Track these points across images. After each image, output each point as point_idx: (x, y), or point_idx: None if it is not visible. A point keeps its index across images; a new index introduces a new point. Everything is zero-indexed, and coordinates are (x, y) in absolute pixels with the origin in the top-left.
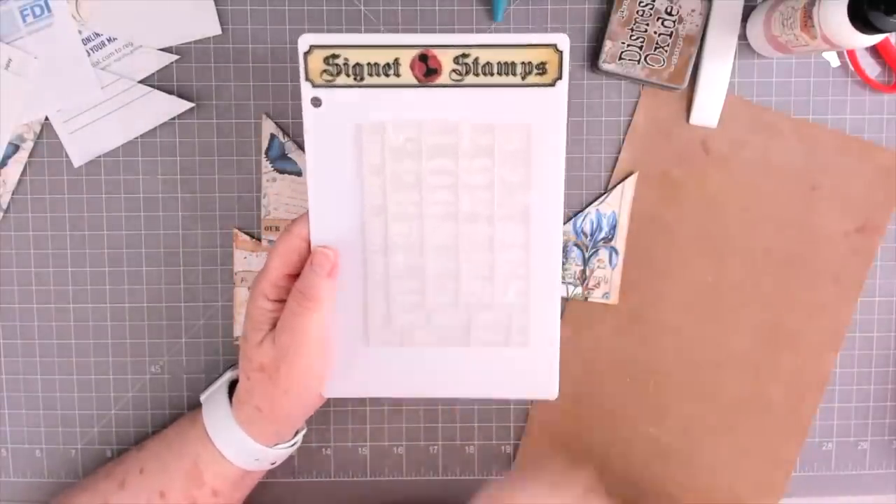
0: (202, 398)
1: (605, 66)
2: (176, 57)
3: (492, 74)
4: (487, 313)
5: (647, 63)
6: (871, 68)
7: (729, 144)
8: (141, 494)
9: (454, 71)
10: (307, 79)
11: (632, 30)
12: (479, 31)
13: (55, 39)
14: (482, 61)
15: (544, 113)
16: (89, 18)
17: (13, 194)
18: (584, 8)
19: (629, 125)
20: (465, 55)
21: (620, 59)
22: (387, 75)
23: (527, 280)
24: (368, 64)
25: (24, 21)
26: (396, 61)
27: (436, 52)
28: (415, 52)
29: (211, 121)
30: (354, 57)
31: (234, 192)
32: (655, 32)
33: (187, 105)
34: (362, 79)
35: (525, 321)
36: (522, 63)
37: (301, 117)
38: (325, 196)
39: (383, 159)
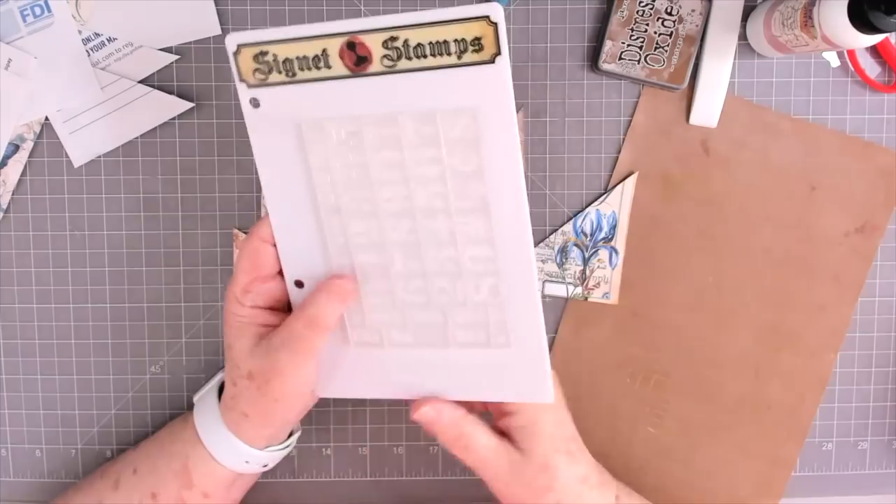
0: (195, 399)
1: (605, 66)
2: (176, 57)
3: (425, 56)
4: (462, 313)
5: (647, 63)
6: (871, 68)
7: (729, 144)
8: (134, 495)
9: (385, 57)
10: (241, 79)
11: (632, 30)
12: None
13: (55, 39)
14: (413, 43)
15: (487, 93)
16: (89, 18)
17: (13, 194)
18: (584, 8)
19: (629, 125)
20: (393, 38)
21: (620, 59)
22: (318, 68)
23: (497, 276)
24: (297, 58)
25: (24, 21)
26: (325, 52)
27: (362, 37)
28: (341, 41)
29: (211, 121)
30: (282, 52)
31: (234, 192)
32: (655, 32)
33: (187, 105)
34: (294, 74)
35: (502, 320)
36: (455, 41)
37: None
38: (280, 199)
39: (328, 157)
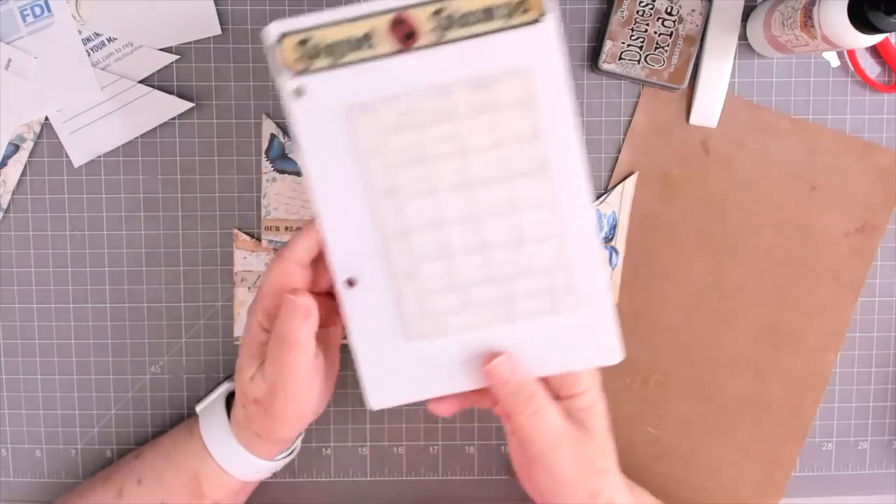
0: (198, 409)
1: (605, 66)
2: (176, 57)
3: (473, 24)
4: (526, 281)
5: (647, 63)
6: (871, 68)
7: (729, 144)
8: None
9: (433, 29)
10: (283, 70)
11: (632, 30)
12: None
13: (55, 39)
14: (460, 12)
15: (537, 53)
16: (89, 18)
17: (13, 194)
18: (584, 8)
19: (629, 125)
20: (440, 10)
21: (620, 59)
22: (365, 48)
23: (560, 238)
24: (343, 41)
25: (24, 21)
26: (372, 31)
27: (409, 13)
28: (388, 18)
29: (211, 121)
30: (327, 36)
31: (234, 192)
32: (655, 32)
33: (187, 105)
34: (340, 58)
35: (569, 281)
36: (503, 4)
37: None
38: (330, 190)
39: (380, 139)
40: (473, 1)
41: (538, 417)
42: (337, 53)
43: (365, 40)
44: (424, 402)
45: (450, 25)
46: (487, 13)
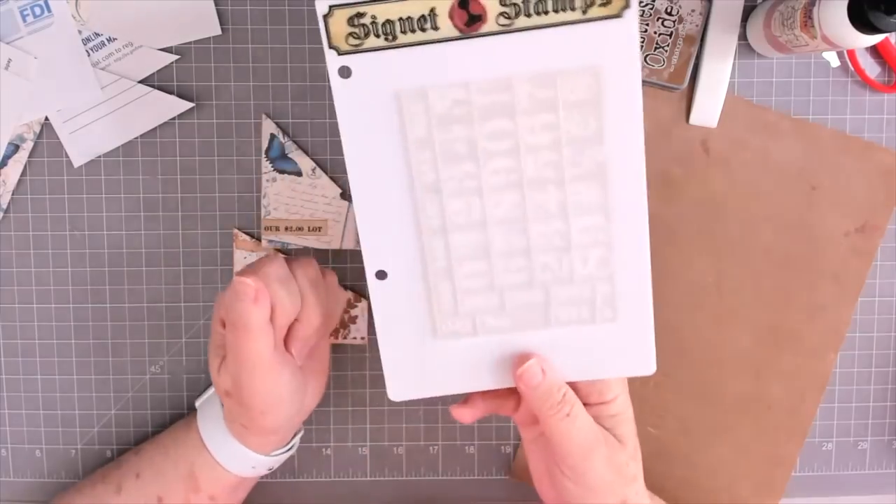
0: (197, 403)
1: None
2: (176, 57)
3: (546, 13)
4: (567, 289)
5: (647, 63)
6: (871, 68)
7: (729, 144)
8: (139, 499)
9: (502, 14)
10: (331, 46)
11: None
12: None
13: (55, 39)
14: None
15: (613, 50)
16: (89, 18)
17: (13, 194)
18: None
19: None
20: None
21: None
22: (423, 30)
23: (609, 247)
24: (400, 20)
25: (24, 21)
26: (433, 12)
27: None
28: None
29: (211, 121)
30: (383, 13)
31: (234, 192)
32: (655, 32)
33: (187, 105)
34: (395, 38)
35: (611, 293)
36: None
37: (303, 117)
38: (368, 179)
39: (430, 129)
40: None
41: (570, 421)
42: (392, 33)
43: (425, 21)
44: (427, 402)
45: (520, 13)
46: (562, 2)
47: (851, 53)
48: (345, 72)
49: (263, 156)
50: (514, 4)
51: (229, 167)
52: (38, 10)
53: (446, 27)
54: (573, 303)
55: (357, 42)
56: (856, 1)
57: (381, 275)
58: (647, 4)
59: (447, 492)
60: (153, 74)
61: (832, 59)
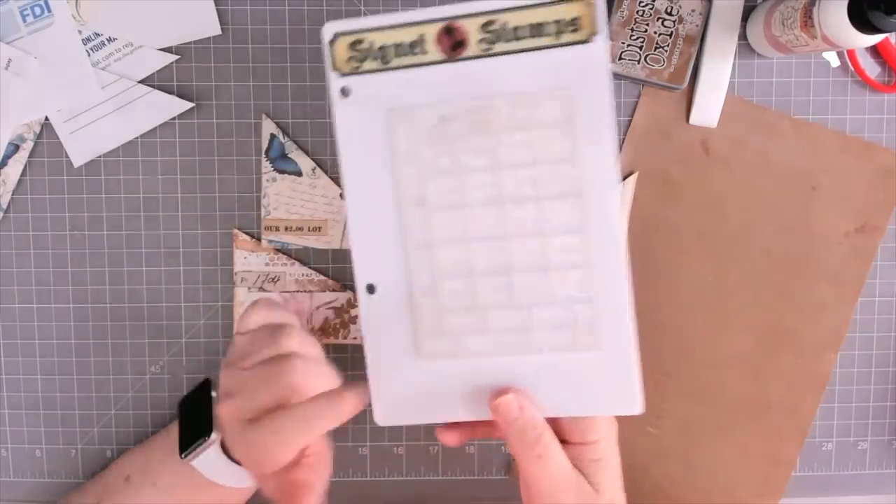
0: (195, 463)
1: None
2: (176, 57)
3: (522, 38)
4: (548, 310)
5: (647, 63)
6: (871, 68)
7: (729, 144)
8: None
9: (483, 40)
10: (334, 68)
11: (632, 30)
12: None
13: (55, 39)
14: (511, 25)
15: (583, 74)
16: (89, 18)
17: (13, 194)
18: None
19: (629, 125)
20: (490, 22)
21: (620, 59)
22: (413, 54)
23: (588, 269)
24: (394, 45)
25: (24, 21)
26: (422, 38)
27: (461, 22)
28: (439, 26)
29: (211, 121)
30: (380, 39)
31: (234, 192)
32: (655, 32)
33: (187, 105)
34: (388, 61)
35: (591, 317)
36: (554, 21)
37: (302, 117)
38: (361, 192)
39: (416, 145)
40: (524, 15)
41: (541, 463)
42: (386, 57)
43: (414, 46)
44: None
45: (498, 38)
46: (537, 29)
47: (851, 53)
48: (345, 91)
49: (263, 156)
50: (493, 31)
51: (229, 167)
52: (38, 10)
53: (433, 51)
54: (553, 326)
55: (356, 65)
56: (856, 1)
57: (371, 289)
58: (647, 4)
59: (447, 492)
60: (153, 74)
61: (832, 59)
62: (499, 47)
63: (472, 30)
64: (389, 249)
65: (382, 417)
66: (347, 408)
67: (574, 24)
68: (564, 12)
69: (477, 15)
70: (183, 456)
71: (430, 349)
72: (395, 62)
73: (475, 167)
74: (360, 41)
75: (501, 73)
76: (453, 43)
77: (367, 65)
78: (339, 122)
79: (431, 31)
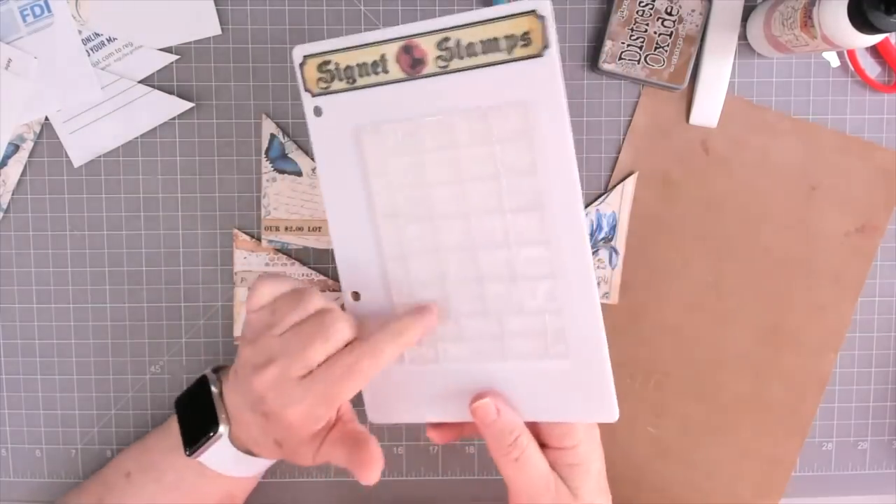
0: (203, 459)
1: (605, 66)
2: (176, 57)
3: (476, 55)
4: (518, 320)
5: (647, 63)
6: (871, 68)
7: (729, 144)
8: None
9: (439, 58)
10: (306, 89)
11: (632, 30)
12: None
13: (55, 39)
14: (464, 42)
15: (538, 87)
16: (89, 18)
17: (13, 194)
18: (584, 8)
19: (629, 125)
20: (446, 39)
21: (620, 59)
22: (376, 73)
23: (554, 279)
24: (358, 65)
25: (24, 21)
26: (383, 58)
27: (418, 41)
28: (398, 45)
29: (211, 121)
30: (344, 60)
31: (234, 192)
32: (655, 32)
33: (187, 105)
34: (354, 81)
35: (560, 328)
36: (505, 37)
37: (302, 117)
38: (339, 206)
39: (385, 160)
40: (476, 32)
41: (518, 466)
42: (352, 77)
43: (377, 66)
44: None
45: (454, 55)
46: (490, 45)
47: (851, 53)
48: (317, 111)
49: (263, 156)
50: (448, 49)
51: (229, 167)
52: (38, 10)
53: (395, 70)
54: (526, 335)
55: (325, 85)
56: (856, 1)
57: (356, 296)
58: (647, 4)
59: (447, 492)
60: (153, 74)
61: (832, 59)
62: (454, 64)
63: (429, 48)
64: (369, 259)
65: (373, 415)
66: (414, 332)
67: (525, 38)
68: (514, 27)
69: (430, 33)
70: (189, 453)
71: (412, 355)
72: (361, 81)
73: (441, 180)
74: (327, 62)
75: (459, 89)
76: (412, 61)
77: (336, 85)
78: (314, 139)
79: (392, 51)
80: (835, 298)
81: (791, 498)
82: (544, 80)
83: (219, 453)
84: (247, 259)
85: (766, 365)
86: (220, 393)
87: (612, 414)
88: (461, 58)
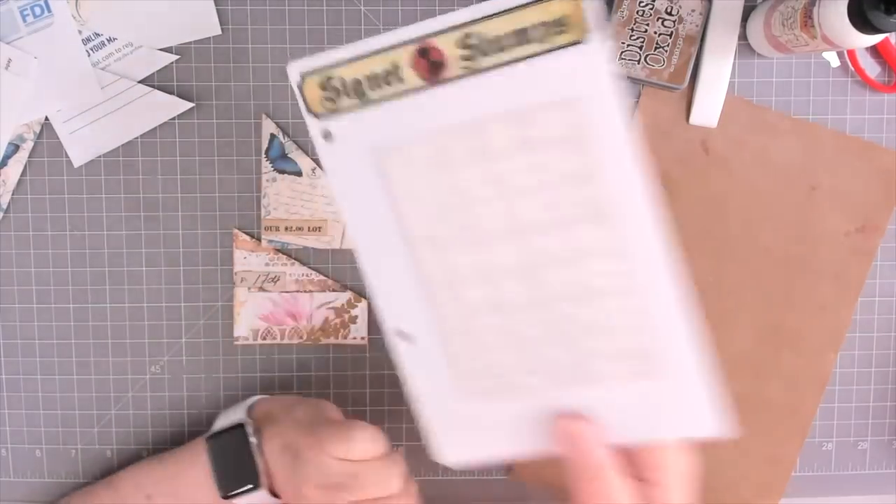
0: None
1: None
2: (176, 57)
3: (504, 49)
4: (598, 341)
5: (647, 63)
6: (871, 68)
7: (729, 144)
8: None
9: (462, 58)
10: (309, 111)
11: (632, 30)
12: None
13: (55, 39)
14: (490, 36)
15: (585, 79)
16: (89, 18)
17: (13, 194)
18: None
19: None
20: (467, 35)
21: (620, 59)
22: (389, 84)
23: (630, 294)
24: (366, 77)
25: (25, 21)
26: (395, 65)
27: (434, 41)
28: (411, 49)
29: (211, 121)
30: (349, 73)
31: (234, 192)
32: (655, 32)
33: (187, 105)
34: (365, 96)
35: (646, 345)
36: (538, 25)
37: (300, 117)
38: (368, 238)
39: (413, 182)
40: (502, 23)
41: (599, 498)
42: (361, 91)
43: (389, 76)
44: None
45: (480, 52)
46: (521, 35)
47: (851, 53)
48: (327, 135)
49: (263, 156)
50: (473, 45)
51: (229, 167)
52: (38, 10)
53: (411, 78)
54: (607, 357)
55: (332, 105)
56: (856, 1)
57: (402, 335)
58: (647, 4)
59: (447, 492)
60: (153, 74)
61: (832, 59)
62: (483, 62)
63: (448, 48)
64: (412, 293)
65: (443, 456)
66: None
67: (561, 23)
68: (548, 13)
69: (448, 31)
70: (224, 496)
71: (476, 389)
72: (373, 95)
73: (482, 198)
74: (329, 78)
75: (488, 91)
76: (430, 65)
77: (344, 103)
78: (327, 168)
79: (405, 56)
80: (835, 298)
81: (791, 498)
82: (590, 71)
83: (251, 497)
84: (247, 259)
85: (766, 365)
86: (259, 444)
87: (715, 427)
88: (489, 55)
